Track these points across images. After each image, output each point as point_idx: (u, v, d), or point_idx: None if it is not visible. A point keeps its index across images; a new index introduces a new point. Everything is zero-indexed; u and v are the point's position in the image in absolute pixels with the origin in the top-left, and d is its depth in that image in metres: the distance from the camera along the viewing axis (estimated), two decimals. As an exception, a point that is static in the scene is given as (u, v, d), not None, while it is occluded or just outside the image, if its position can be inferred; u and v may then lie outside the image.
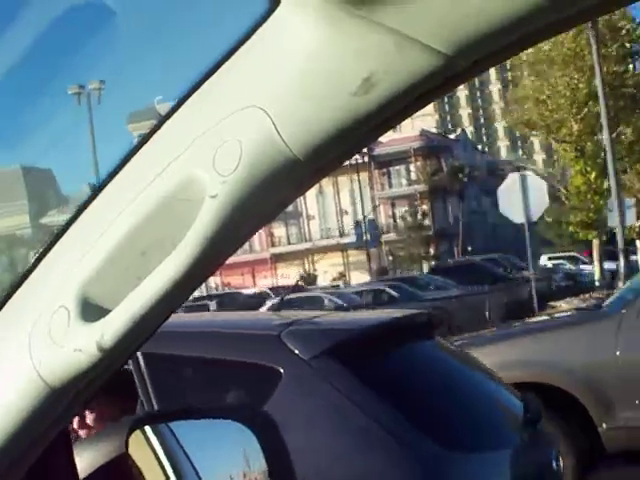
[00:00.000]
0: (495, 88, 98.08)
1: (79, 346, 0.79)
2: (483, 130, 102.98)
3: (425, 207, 51.75)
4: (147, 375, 2.71)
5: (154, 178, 0.77)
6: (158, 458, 0.98)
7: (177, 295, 0.78)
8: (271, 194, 0.75)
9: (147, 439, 0.98)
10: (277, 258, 54.06)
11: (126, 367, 2.81)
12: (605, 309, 6.23)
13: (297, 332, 2.84)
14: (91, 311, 0.79)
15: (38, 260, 0.84)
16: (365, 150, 51.37)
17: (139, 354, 2.71)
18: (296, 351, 2.73)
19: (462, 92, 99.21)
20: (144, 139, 0.79)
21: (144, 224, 0.77)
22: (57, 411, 0.83)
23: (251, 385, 2.83)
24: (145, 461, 0.96)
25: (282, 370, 2.70)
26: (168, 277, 0.76)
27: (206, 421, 1.06)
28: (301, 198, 53.15)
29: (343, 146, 0.74)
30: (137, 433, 0.97)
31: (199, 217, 0.74)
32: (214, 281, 44.93)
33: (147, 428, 0.99)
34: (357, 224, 47.44)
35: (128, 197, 0.78)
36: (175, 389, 2.82)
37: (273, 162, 0.72)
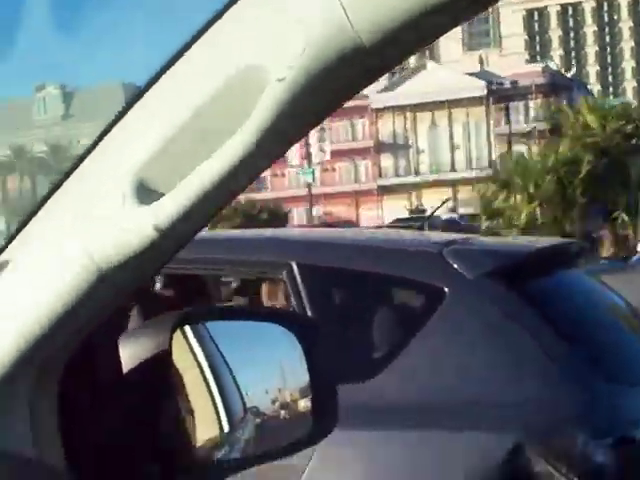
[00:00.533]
0: (626, 26, 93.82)
1: (133, 227, 0.79)
2: (609, 70, 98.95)
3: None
4: (302, 287, 2.58)
5: (216, 63, 0.77)
6: (197, 359, 0.97)
7: (233, 181, 0.78)
8: (337, 81, 0.75)
9: (188, 339, 0.97)
10: (384, 190, 53.76)
11: (275, 276, 2.68)
12: None
13: (460, 251, 2.72)
14: (147, 194, 0.79)
15: (95, 144, 0.83)
16: (484, 83, 50.09)
17: (294, 264, 2.57)
18: (460, 270, 2.56)
19: (589, 29, 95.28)
20: (207, 25, 0.78)
21: (205, 108, 0.77)
22: (105, 296, 0.84)
23: (412, 302, 2.66)
24: (184, 360, 0.95)
25: (446, 289, 2.53)
26: (226, 161, 0.76)
27: (249, 323, 1.04)
28: (411, 130, 52.52)
29: (412, 36, 0.73)
30: (179, 332, 0.95)
31: (262, 101, 0.74)
32: (315, 211, 45.00)
33: (189, 328, 0.97)
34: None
35: (190, 81, 0.78)
36: (331, 302, 2.68)
37: (340, 48, 0.72)
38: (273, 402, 1.00)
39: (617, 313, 3.04)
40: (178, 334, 0.95)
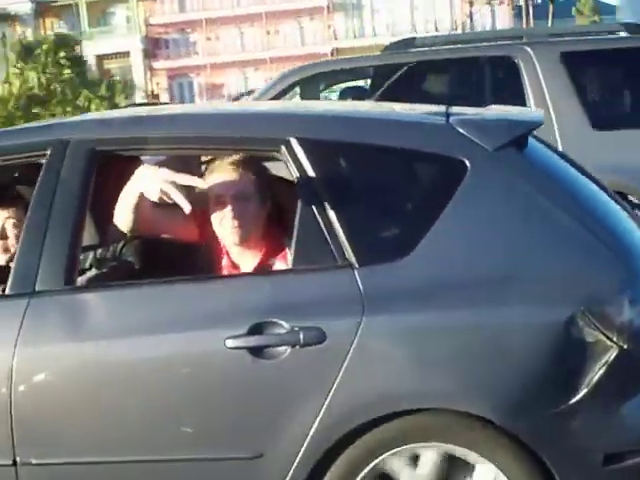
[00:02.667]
0: None
1: None
2: None
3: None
4: (309, 164, 2.56)
5: None
6: None
7: None
8: None
9: None
10: (340, 54, 52.61)
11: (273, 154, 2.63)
12: None
13: (470, 122, 2.67)
14: None
15: None
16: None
17: (293, 140, 2.52)
18: (478, 141, 2.54)
19: None
20: None
21: None
22: None
23: (430, 178, 2.65)
24: None
25: (467, 162, 2.53)
26: None
27: None
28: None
29: None
30: None
31: None
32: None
33: None
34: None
35: None
36: (343, 178, 2.64)
37: None
38: None
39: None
40: None
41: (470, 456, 2.46)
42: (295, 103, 2.90)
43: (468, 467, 2.48)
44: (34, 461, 2.58)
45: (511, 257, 2.47)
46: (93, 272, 2.88)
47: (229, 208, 2.78)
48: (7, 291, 2.66)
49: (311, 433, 2.44)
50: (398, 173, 2.64)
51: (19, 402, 2.56)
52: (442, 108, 2.90)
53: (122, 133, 2.75)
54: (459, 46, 6.13)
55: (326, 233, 2.51)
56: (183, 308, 2.56)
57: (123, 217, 2.75)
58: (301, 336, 2.44)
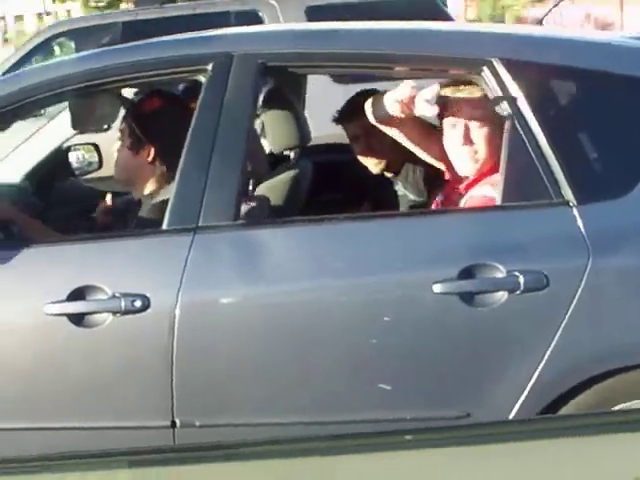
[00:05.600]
0: None
1: None
2: None
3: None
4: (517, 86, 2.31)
5: None
6: None
7: None
8: None
9: None
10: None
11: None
12: None
13: None
14: None
15: None
16: None
17: (497, 62, 2.28)
18: None
19: None
20: None
21: None
22: None
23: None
24: None
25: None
26: None
27: None
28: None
29: None
30: None
31: None
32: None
33: None
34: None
35: None
36: (557, 105, 2.41)
37: None
38: None
39: None
40: None
41: None
42: (497, 25, 2.63)
43: None
44: (197, 422, 2.29)
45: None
46: (249, 205, 2.56)
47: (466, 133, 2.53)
48: (165, 226, 2.35)
49: (528, 388, 2.22)
50: (614, 102, 2.41)
51: (182, 354, 2.27)
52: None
53: (297, 48, 2.45)
54: (208, 1, 6.35)
55: (539, 166, 2.28)
56: (383, 248, 2.29)
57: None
58: (521, 280, 2.21)
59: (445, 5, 6.47)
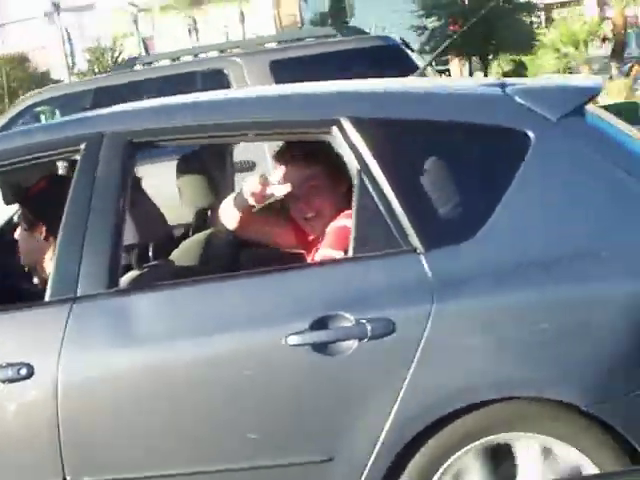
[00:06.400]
0: None
1: None
2: None
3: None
4: (363, 144, 2.46)
5: None
6: None
7: None
8: None
9: None
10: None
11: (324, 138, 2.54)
12: None
13: (531, 91, 2.57)
14: None
15: None
16: None
17: (344, 120, 2.42)
18: (539, 111, 2.45)
19: None
20: None
21: None
22: None
23: (494, 150, 2.54)
24: None
25: (530, 133, 2.43)
26: None
27: None
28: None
29: None
30: None
31: None
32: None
33: None
34: None
35: None
36: (401, 157, 2.52)
37: None
38: None
39: None
40: None
41: (555, 444, 2.36)
42: (344, 83, 2.76)
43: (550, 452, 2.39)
44: (87, 479, 2.48)
45: (586, 229, 2.39)
46: (135, 273, 2.77)
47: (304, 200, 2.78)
48: (47, 298, 2.55)
49: (384, 432, 2.34)
50: (458, 149, 2.53)
51: (67, 415, 2.46)
52: (494, 80, 2.82)
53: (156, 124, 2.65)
54: (177, 62, 6.52)
55: (387, 217, 2.41)
56: (240, 305, 2.45)
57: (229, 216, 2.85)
58: (368, 328, 2.34)
59: (412, 50, 6.56)
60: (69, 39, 26.17)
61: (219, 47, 7.38)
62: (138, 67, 6.51)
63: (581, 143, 2.47)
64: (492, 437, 2.36)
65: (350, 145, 2.47)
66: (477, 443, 2.36)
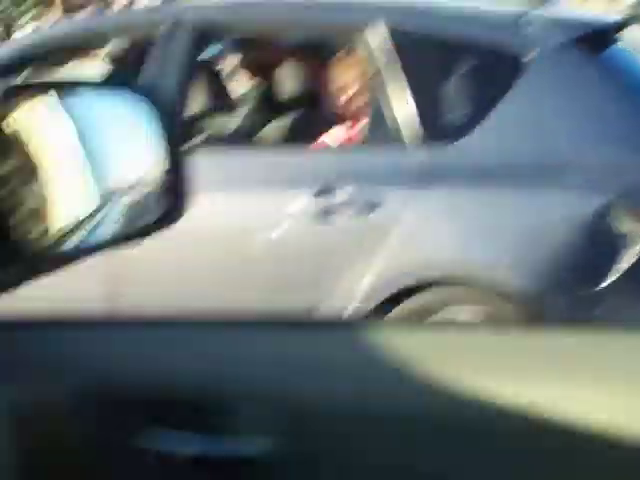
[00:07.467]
0: None
1: None
2: None
3: None
4: (386, 51, 2.85)
5: None
6: (46, 137, 0.86)
7: None
8: None
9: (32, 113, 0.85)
10: None
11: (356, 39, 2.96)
12: None
13: (538, 20, 2.84)
14: None
15: None
16: None
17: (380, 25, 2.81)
18: (540, 38, 2.77)
19: None
20: None
21: None
22: None
23: (487, 73, 2.83)
24: (30, 141, 0.84)
25: (531, 55, 2.74)
26: None
27: (99, 93, 0.98)
28: None
29: None
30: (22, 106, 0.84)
31: None
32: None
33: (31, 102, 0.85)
34: None
35: None
36: (414, 69, 2.85)
37: None
38: (131, 182, 0.93)
39: None
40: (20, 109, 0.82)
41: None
42: None
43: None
44: None
45: (552, 145, 2.69)
46: None
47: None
48: None
49: (360, 291, 2.76)
50: (464, 65, 2.83)
51: None
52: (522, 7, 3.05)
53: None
54: None
55: (395, 112, 2.80)
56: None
57: None
58: (360, 203, 2.75)
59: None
60: None
61: None
62: None
63: (573, 70, 2.75)
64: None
65: (379, 48, 2.86)
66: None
